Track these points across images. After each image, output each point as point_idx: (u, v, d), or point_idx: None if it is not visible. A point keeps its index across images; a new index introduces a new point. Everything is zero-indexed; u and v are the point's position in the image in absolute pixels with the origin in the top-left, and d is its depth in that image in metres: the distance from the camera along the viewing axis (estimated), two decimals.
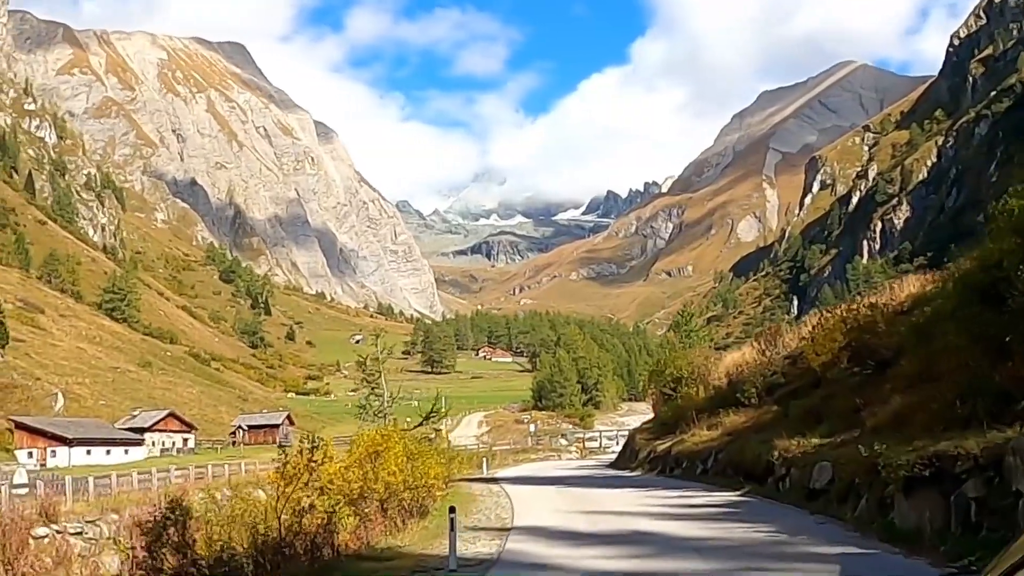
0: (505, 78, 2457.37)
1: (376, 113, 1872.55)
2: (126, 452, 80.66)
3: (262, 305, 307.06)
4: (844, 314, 25.74)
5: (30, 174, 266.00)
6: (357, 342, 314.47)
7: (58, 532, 22.38)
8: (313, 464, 17.65)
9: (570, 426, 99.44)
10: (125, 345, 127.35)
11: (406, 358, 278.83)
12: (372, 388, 38.66)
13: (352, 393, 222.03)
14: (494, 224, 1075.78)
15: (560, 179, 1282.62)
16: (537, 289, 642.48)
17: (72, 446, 76.45)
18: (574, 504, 21.90)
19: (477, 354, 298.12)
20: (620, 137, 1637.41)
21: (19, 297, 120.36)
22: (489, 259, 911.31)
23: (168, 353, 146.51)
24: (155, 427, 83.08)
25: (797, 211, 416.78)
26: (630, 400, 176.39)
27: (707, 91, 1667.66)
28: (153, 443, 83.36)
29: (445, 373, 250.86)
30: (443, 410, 35.45)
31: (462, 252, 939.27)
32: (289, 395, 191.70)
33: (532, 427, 78.18)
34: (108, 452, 78.97)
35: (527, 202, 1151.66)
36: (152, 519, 19.41)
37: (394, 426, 31.12)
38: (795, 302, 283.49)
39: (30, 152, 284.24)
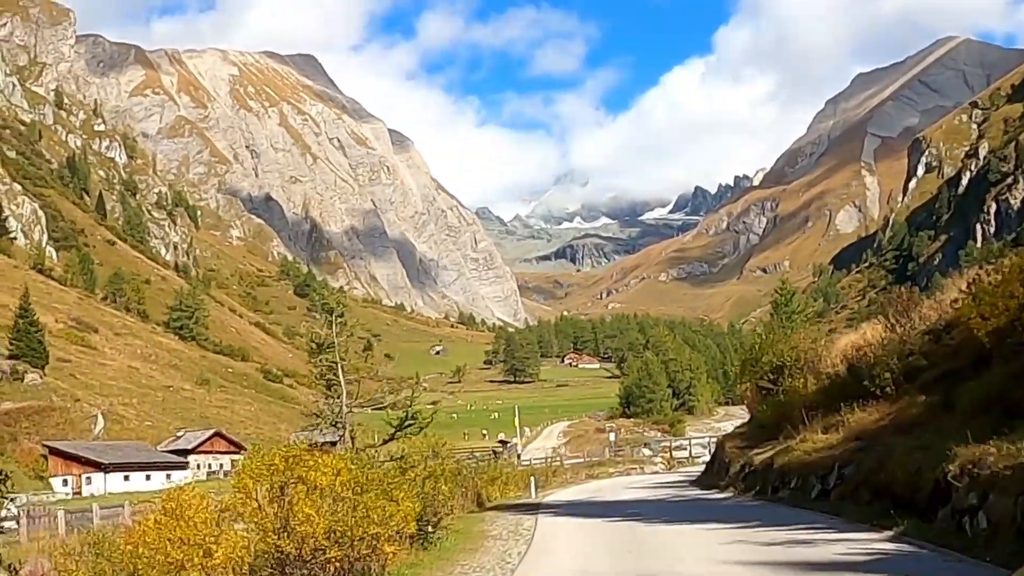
0: (584, 76, 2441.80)
1: (452, 119, 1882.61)
2: (168, 477, 75.59)
3: (337, 319, 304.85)
4: None
5: (100, 195, 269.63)
6: (437, 353, 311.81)
7: None
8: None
9: (656, 434, 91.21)
10: (183, 363, 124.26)
11: (488, 368, 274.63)
12: (328, 385, 29.94)
13: (430, 406, 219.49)
14: (578, 227, 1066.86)
15: (645, 177, 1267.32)
16: (625, 292, 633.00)
17: (108, 472, 71.93)
18: (623, 558, 14.44)
19: (562, 361, 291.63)
20: (706, 130, 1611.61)
21: (72, 317, 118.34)
22: (574, 263, 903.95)
23: (230, 370, 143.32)
24: (200, 448, 78.17)
25: (900, 197, 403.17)
26: (727, 404, 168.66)
27: (797, 77, 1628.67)
28: (198, 466, 78.44)
29: (528, 382, 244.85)
30: (424, 419, 27.52)
31: (546, 257, 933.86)
32: (365, 410, 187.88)
33: (611, 436, 70.67)
34: (148, 477, 74.23)
35: (611, 203, 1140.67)
36: None
37: (351, 443, 24.08)
38: None
39: (100, 173, 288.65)
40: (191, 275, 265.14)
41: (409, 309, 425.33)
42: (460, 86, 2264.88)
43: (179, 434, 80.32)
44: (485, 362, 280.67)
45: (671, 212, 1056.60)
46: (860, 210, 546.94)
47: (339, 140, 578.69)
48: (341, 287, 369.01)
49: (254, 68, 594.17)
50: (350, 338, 31.30)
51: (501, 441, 75.66)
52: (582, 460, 56.23)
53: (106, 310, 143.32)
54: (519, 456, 69.89)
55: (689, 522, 18.86)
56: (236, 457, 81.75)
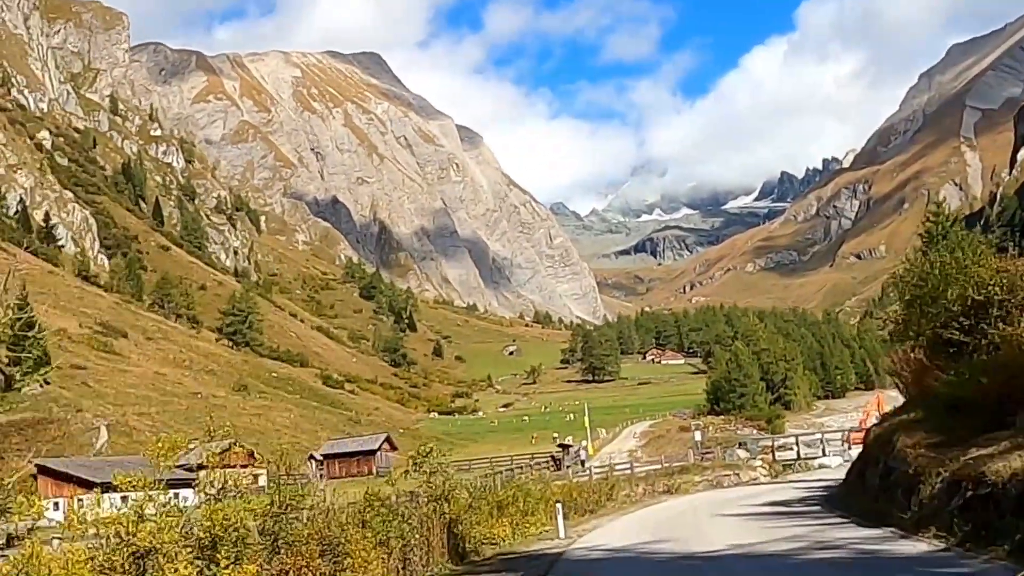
0: (659, 61, 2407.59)
1: (523, 112, 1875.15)
2: (175, 497, 66.01)
3: (405, 321, 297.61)
4: None
5: (157, 200, 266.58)
6: (511, 354, 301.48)
7: None
8: None
9: (751, 431, 78.53)
10: (222, 368, 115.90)
11: (565, 367, 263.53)
12: None
13: (503, 409, 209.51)
14: (658, 219, 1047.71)
15: (727, 164, 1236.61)
16: (709, 285, 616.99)
17: (100, 492, 62.12)
18: None
19: (644, 358, 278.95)
20: (791, 112, 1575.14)
21: (100, 321, 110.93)
22: (655, 257, 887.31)
23: (274, 375, 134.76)
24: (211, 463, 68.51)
25: (1008, 171, 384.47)
26: (826, 398, 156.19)
27: (887, 52, 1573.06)
28: (210, 483, 68.75)
29: (608, 381, 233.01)
30: None
31: (625, 252, 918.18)
32: (431, 415, 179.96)
33: (697, 435, 58.76)
34: (150, 499, 64.46)
35: (692, 192, 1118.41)
36: None
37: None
38: None
39: (157, 179, 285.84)
40: (251, 280, 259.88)
41: (482, 310, 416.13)
42: (530, 78, 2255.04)
43: (192, 446, 70.55)
44: (562, 361, 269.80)
45: (756, 199, 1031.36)
46: (961, 188, 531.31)
47: (406, 138, 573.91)
48: (409, 288, 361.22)
49: (317, 69, 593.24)
50: None
51: (561, 445, 64.15)
52: (659, 466, 44.36)
53: (145, 315, 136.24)
54: (583, 462, 58.21)
55: None
56: (257, 471, 71.91)
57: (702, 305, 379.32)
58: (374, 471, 74.95)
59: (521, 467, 62.41)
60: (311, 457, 71.27)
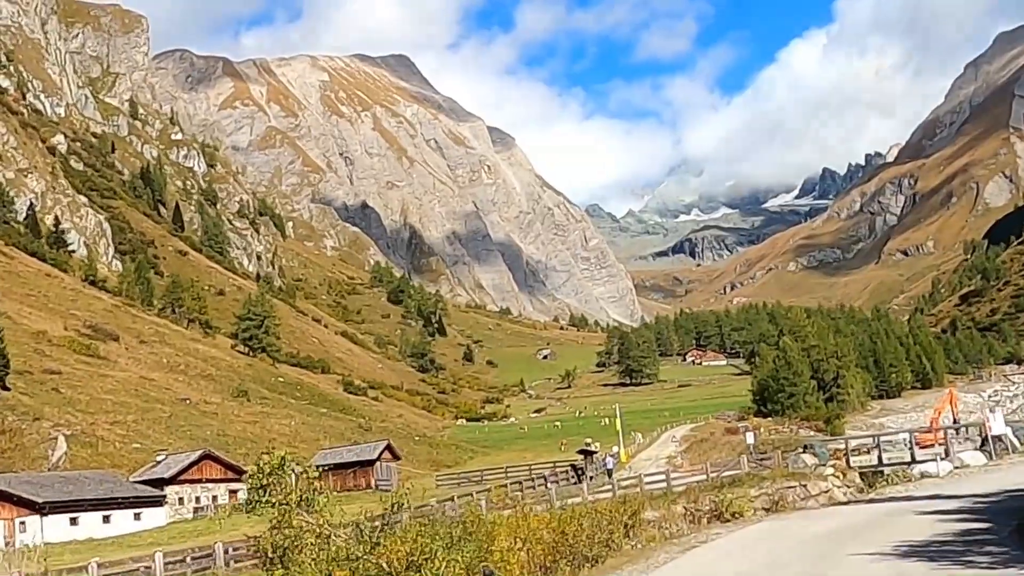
0: (694, 57, 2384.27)
1: (556, 113, 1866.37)
2: (137, 517, 57.31)
3: (435, 325, 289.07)
4: None
5: (177, 205, 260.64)
6: (544, 358, 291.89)
7: None
8: None
9: (810, 432, 68.51)
10: (222, 373, 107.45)
11: (601, 371, 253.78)
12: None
13: (535, 415, 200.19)
14: (696, 219, 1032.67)
15: (766, 162, 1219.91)
16: (750, 285, 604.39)
17: (45, 514, 53.52)
18: None
19: (684, 359, 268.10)
20: (831, 107, 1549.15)
21: (89, 324, 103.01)
22: (693, 258, 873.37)
23: (281, 379, 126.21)
24: (183, 476, 59.51)
25: None
26: (880, 397, 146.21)
27: (930, 43, 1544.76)
28: (181, 500, 59.71)
29: (647, 383, 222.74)
30: None
31: (663, 253, 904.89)
32: (459, 422, 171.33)
33: (749, 437, 49.08)
34: (107, 519, 55.87)
35: (731, 191, 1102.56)
36: None
37: None
38: None
39: (178, 183, 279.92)
40: (274, 285, 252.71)
41: (516, 314, 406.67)
42: (563, 78, 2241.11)
43: (159, 458, 61.79)
44: (598, 365, 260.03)
45: (797, 197, 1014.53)
46: (1011, 180, 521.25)
47: (436, 141, 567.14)
48: (438, 291, 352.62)
49: (345, 73, 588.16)
50: None
51: (583, 451, 54.36)
52: (704, 476, 34.54)
53: (147, 318, 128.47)
54: (609, 472, 48.39)
55: None
56: (235, 486, 62.95)
57: (744, 305, 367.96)
58: (372, 484, 65.75)
59: (543, 477, 53.09)
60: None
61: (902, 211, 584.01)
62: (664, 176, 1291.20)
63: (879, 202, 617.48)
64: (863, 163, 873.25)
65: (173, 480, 60.11)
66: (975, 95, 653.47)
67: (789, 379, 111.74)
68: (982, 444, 36.88)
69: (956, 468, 31.96)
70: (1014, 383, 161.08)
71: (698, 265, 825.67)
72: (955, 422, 52.92)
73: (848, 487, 31.89)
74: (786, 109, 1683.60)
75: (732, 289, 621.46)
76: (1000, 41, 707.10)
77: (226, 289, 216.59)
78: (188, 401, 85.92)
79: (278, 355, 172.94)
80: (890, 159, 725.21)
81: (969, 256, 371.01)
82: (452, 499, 37.52)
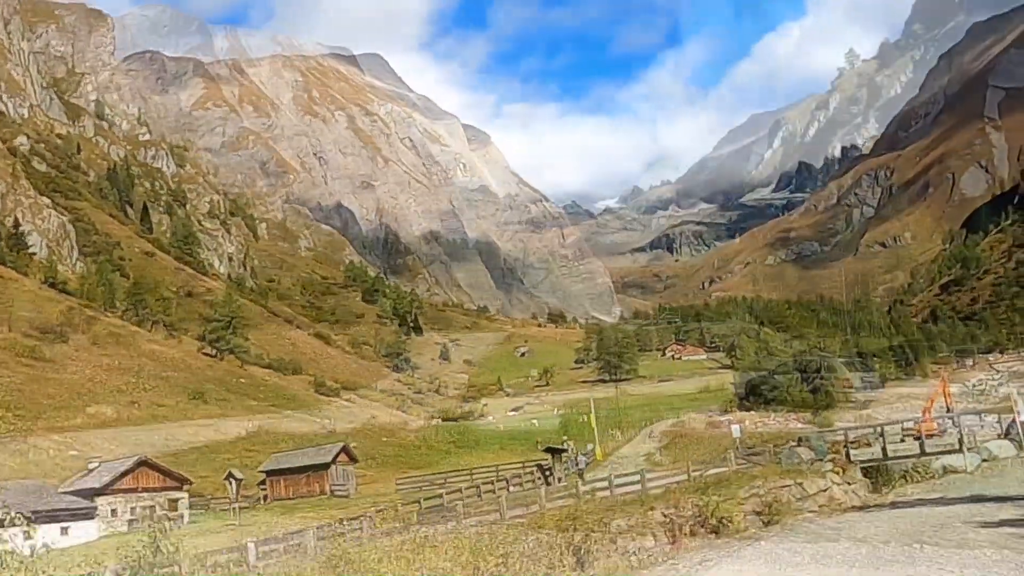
0: (670, 52, 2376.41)
1: (531, 110, 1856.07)
2: (64, 532, 51.94)
3: (411, 324, 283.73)
4: None
5: (145, 206, 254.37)
6: (522, 355, 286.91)
7: None
8: None
9: (798, 425, 64.27)
10: (179, 375, 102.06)
11: (579, 367, 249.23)
12: None
13: (512, 413, 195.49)
14: (673, 215, 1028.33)
15: (742, 156, 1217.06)
16: (730, 279, 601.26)
17: None
18: None
19: (664, 354, 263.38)
20: (807, 100, 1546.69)
21: (36, 326, 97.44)
22: (672, 253, 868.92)
23: (243, 380, 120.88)
24: (115, 486, 54.35)
25: None
26: (864, 388, 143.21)
27: (904, 34, 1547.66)
28: (113, 511, 54.54)
29: (626, 380, 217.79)
30: None
31: (641, 249, 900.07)
32: (435, 422, 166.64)
33: (736, 430, 44.68)
34: (28, 535, 50.36)
35: (707, 186, 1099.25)
36: None
37: None
38: None
39: (146, 184, 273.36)
40: (246, 286, 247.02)
41: (494, 312, 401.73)
42: (538, 74, 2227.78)
43: (91, 465, 56.63)
44: (576, 361, 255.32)
45: (774, 191, 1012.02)
46: (987, 170, 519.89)
47: (411, 140, 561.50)
48: (413, 290, 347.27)
49: (318, 72, 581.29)
50: None
51: (550, 449, 49.47)
52: (685, 476, 29.92)
53: (104, 320, 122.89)
54: (581, 472, 43.59)
55: None
56: (176, 495, 57.70)
57: (723, 299, 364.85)
58: (327, 490, 60.76)
59: (504, 480, 48.36)
60: (229, 476, 56.70)
61: (879, 203, 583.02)
62: (641, 172, 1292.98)
63: (856, 194, 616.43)
64: (839, 156, 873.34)
65: (105, 490, 54.92)
66: (950, 86, 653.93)
67: (772, 370, 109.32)
68: (1007, 432, 32.43)
69: (984, 460, 27.54)
70: (998, 372, 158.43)
71: (676, 260, 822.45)
72: (948, 411, 48.92)
73: (850, 485, 27.18)
74: (761, 103, 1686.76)
75: (712, 283, 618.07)
76: (974, 32, 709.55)
77: (195, 290, 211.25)
78: (137, 404, 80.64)
79: (247, 356, 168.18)
80: (866, 151, 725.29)
81: (947, 246, 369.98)
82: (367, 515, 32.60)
